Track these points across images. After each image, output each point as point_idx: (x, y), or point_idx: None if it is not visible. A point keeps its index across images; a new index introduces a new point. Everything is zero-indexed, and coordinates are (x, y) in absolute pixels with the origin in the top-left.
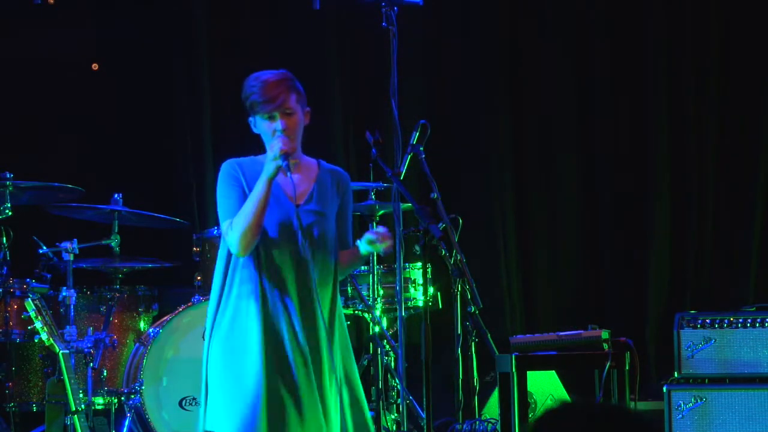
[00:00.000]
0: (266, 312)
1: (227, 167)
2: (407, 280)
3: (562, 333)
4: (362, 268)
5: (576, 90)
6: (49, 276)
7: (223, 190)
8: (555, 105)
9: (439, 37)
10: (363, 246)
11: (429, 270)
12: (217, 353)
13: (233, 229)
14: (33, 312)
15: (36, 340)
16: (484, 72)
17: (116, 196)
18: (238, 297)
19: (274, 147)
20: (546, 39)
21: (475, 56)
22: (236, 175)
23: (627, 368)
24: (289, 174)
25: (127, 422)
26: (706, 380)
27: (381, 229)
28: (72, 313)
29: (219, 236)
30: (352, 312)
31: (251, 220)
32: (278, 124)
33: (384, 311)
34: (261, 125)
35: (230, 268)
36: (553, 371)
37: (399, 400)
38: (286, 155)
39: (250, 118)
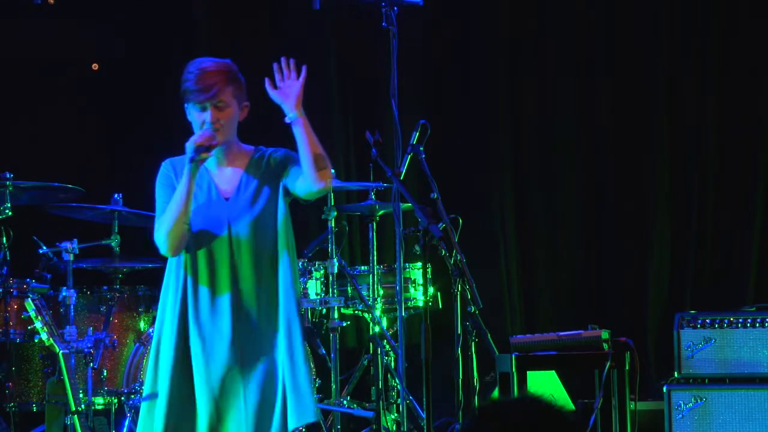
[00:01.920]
0: (190, 315)
1: (161, 168)
2: (407, 280)
3: (562, 333)
4: (362, 268)
5: (576, 89)
6: (49, 276)
7: (156, 192)
8: (555, 105)
9: (439, 36)
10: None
11: (429, 270)
12: (150, 356)
13: (157, 230)
14: (33, 312)
15: (36, 340)
16: (484, 71)
17: (116, 196)
18: (171, 299)
19: (189, 141)
20: (546, 38)
21: (475, 56)
22: (168, 174)
23: (627, 368)
24: (217, 168)
25: (127, 422)
26: (706, 380)
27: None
28: (72, 313)
29: None
30: (352, 312)
31: (172, 220)
32: (207, 116)
33: (384, 311)
34: (192, 114)
35: (167, 270)
36: (553, 371)
37: (399, 400)
38: (202, 149)
39: (184, 105)
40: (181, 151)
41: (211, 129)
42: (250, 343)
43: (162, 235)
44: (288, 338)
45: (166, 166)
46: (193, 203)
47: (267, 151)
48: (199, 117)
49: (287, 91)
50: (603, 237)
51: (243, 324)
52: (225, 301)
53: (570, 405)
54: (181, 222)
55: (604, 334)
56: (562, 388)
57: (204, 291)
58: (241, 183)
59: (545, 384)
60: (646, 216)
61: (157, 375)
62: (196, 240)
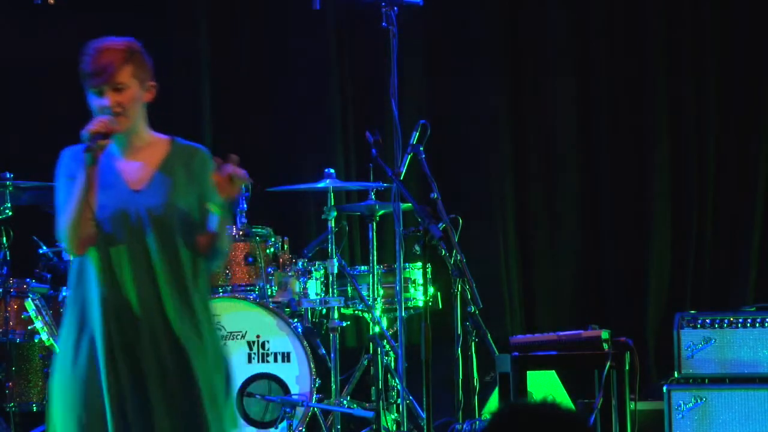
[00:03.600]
0: (96, 316)
1: (60, 158)
2: (407, 280)
3: (562, 333)
4: (362, 268)
5: (577, 90)
6: (49, 276)
7: (56, 185)
8: (555, 105)
9: (439, 36)
10: (214, 207)
11: (429, 270)
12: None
13: (59, 227)
14: (33, 312)
15: (36, 340)
16: (484, 71)
17: None
18: (73, 301)
19: (84, 128)
20: (547, 38)
21: (476, 56)
22: (68, 164)
23: (627, 368)
24: (125, 157)
25: None
26: (706, 380)
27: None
28: None
29: None
30: (352, 312)
31: (72, 215)
32: (105, 101)
33: (384, 311)
34: (91, 101)
35: (70, 271)
36: (553, 371)
37: (399, 400)
38: (99, 136)
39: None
40: None
41: (110, 114)
42: (165, 343)
43: (64, 232)
44: (201, 339)
45: (65, 156)
46: (99, 196)
47: (192, 146)
48: (97, 102)
49: (225, 186)
50: (603, 237)
51: (156, 325)
52: (138, 301)
53: (570, 405)
54: (83, 217)
55: (604, 334)
56: (562, 388)
57: (115, 291)
58: (155, 174)
59: (545, 384)
60: (647, 216)
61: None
62: (104, 236)
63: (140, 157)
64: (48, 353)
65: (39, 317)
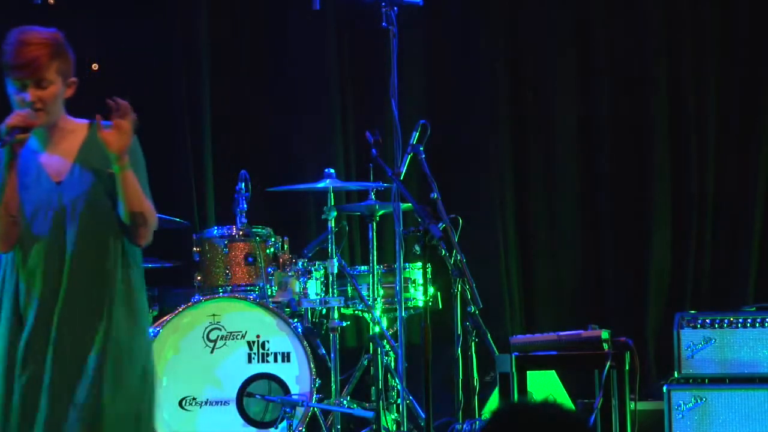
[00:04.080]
0: (19, 316)
1: None
2: (407, 280)
3: (562, 333)
4: (362, 268)
5: (577, 89)
6: None
7: None
8: (556, 105)
9: (440, 36)
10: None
11: (429, 270)
12: None
13: None
14: None
15: None
16: (484, 71)
17: None
18: (1, 296)
19: (3, 122)
20: (547, 37)
21: (475, 55)
22: None
23: (627, 368)
24: (45, 150)
25: None
26: (706, 380)
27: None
28: None
29: (219, 236)
30: (352, 312)
31: None
32: (26, 95)
33: (384, 311)
34: (10, 90)
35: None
36: (553, 371)
37: (399, 400)
38: (17, 131)
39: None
40: (183, 152)
41: (31, 109)
42: (72, 334)
43: None
44: (116, 333)
45: None
46: (23, 192)
47: (102, 126)
48: (17, 95)
49: (111, 139)
50: (603, 237)
51: (69, 321)
52: (39, 299)
53: (570, 405)
54: (4, 214)
55: (604, 334)
56: (562, 388)
57: (38, 288)
58: (74, 164)
59: (545, 384)
60: (647, 216)
61: None
62: (28, 232)
63: (60, 149)
64: None
65: None
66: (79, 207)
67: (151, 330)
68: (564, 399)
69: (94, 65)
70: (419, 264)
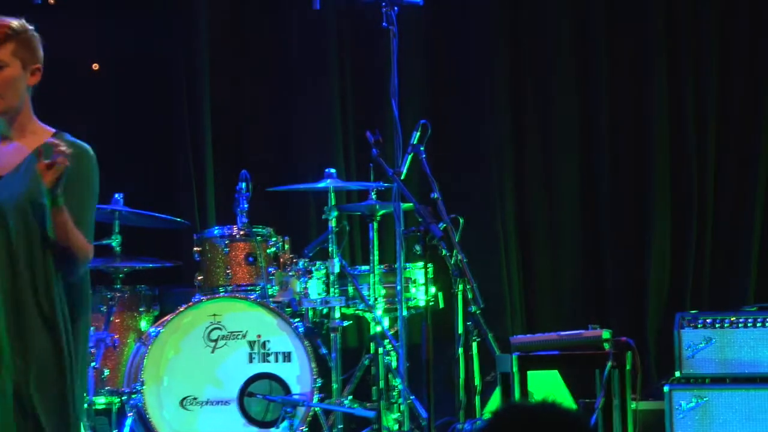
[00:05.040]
0: None
1: None
2: (408, 279)
3: (562, 333)
4: (362, 267)
5: (577, 90)
6: None
7: None
8: (556, 105)
9: (440, 36)
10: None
11: (430, 270)
12: None
13: None
14: None
15: None
16: (485, 71)
17: (117, 195)
18: None
19: None
20: (547, 36)
21: (476, 55)
22: None
23: (628, 368)
24: None
25: (128, 422)
26: (707, 380)
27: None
28: None
29: (220, 236)
30: (353, 312)
31: None
32: None
33: (385, 311)
34: None
35: None
36: (557, 371)
37: (400, 400)
38: None
39: None
40: (184, 152)
41: None
42: (28, 339)
43: None
44: (55, 339)
45: None
46: None
47: (70, 144)
48: None
49: (45, 175)
50: (603, 237)
51: (20, 326)
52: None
53: (573, 405)
54: None
55: (605, 334)
56: (565, 388)
57: None
58: (22, 164)
59: (548, 384)
60: (647, 215)
61: None
62: None
63: (15, 145)
64: None
65: None
66: (11, 207)
67: (152, 330)
68: (567, 399)
69: (94, 65)
70: (420, 264)
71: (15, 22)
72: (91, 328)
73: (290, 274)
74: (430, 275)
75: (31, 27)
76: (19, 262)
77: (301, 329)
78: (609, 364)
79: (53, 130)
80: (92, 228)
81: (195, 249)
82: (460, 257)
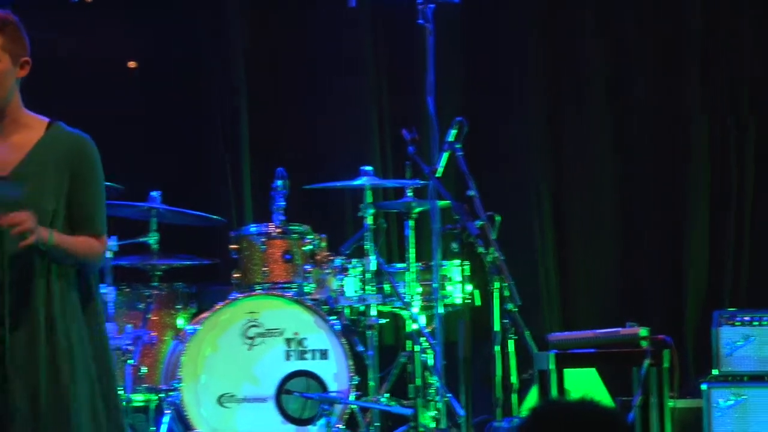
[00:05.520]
0: None
1: None
2: (444, 277)
3: (600, 330)
4: (399, 265)
5: (614, 88)
6: None
7: None
8: (592, 101)
9: (476, 33)
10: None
11: (466, 267)
12: None
13: None
14: None
15: None
16: (521, 69)
17: (154, 193)
18: None
19: None
20: (584, 35)
21: (512, 52)
22: None
23: (666, 366)
24: None
25: (166, 419)
26: (745, 378)
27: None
28: (110, 311)
29: (257, 233)
30: (389, 309)
31: None
32: None
33: (421, 308)
34: None
35: None
36: (594, 369)
37: (437, 398)
38: None
39: None
40: (220, 150)
41: None
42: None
43: None
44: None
45: None
46: None
47: (73, 135)
48: None
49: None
50: (641, 234)
51: (19, 336)
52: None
53: (610, 403)
54: None
55: (643, 332)
56: (603, 385)
57: None
58: (23, 160)
59: (585, 381)
60: (685, 212)
61: None
62: None
63: (12, 141)
64: None
65: None
66: (20, 207)
67: (189, 327)
68: (604, 397)
69: (130, 63)
70: (457, 261)
71: (5, 16)
72: (129, 326)
73: (327, 271)
74: (467, 273)
75: (16, 18)
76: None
77: (337, 327)
78: (647, 361)
79: (47, 120)
80: (104, 217)
81: (232, 246)
82: (496, 255)
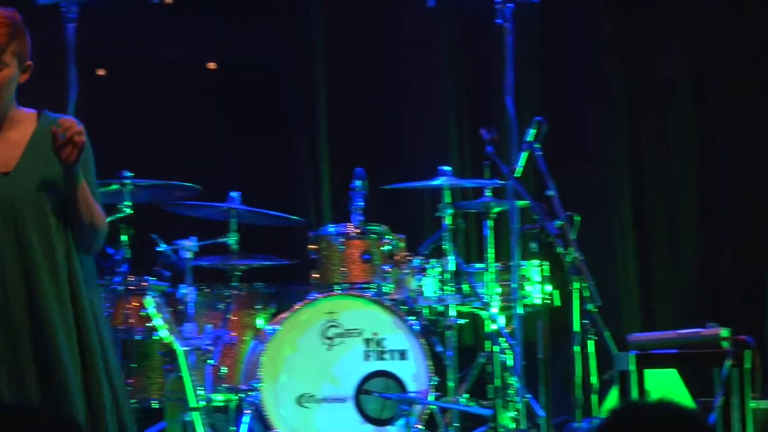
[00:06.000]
0: None
1: None
2: (524, 277)
3: (680, 331)
4: (478, 265)
5: (696, 88)
6: (168, 274)
7: None
8: (673, 101)
9: (554, 32)
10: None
11: (545, 267)
12: None
13: None
14: (152, 309)
15: (155, 338)
16: (599, 67)
17: (233, 194)
18: None
19: None
20: (660, 36)
21: (591, 51)
22: None
23: (747, 366)
24: None
25: (246, 419)
26: None
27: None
28: (191, 311)
29: (336, 234)
30: (468, 309)
31: None
32: None
33: (500, 309)
34: None
35: None
36: (675, 369)
37: (516, 399)
38: None
39: None
40: (300, 150)
41: None
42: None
43: None
44: (85, 336)
45: None
46: None
47: (55, 119)
48: None
49: (64, 153)
50: (722, 234)
51: (39, 325)
52: (16, 302)
53: (691, 404)
54: None
55: (724, 332)
56: (684, 386)
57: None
58: (24, 154)
59: (666, 382)
60: (766, 210)
61: None
62: None
63: (9, 138)
64: (167, 350)
65: (158, 314)
66: (28, 199)
67: (269, 327)
68: (685, 398)
69: (210, 64)
70: (536, 261)
71: (15, 17)
72: (208, 326)
73: (406, 271)
74: (546, 273)
75: (22, 21)
76: (32, 258)
77: (416, 327)
78: (728, 362)
79: (35, 112)
80: (100, 197)
81: (311, 247)
82: (576, 255)
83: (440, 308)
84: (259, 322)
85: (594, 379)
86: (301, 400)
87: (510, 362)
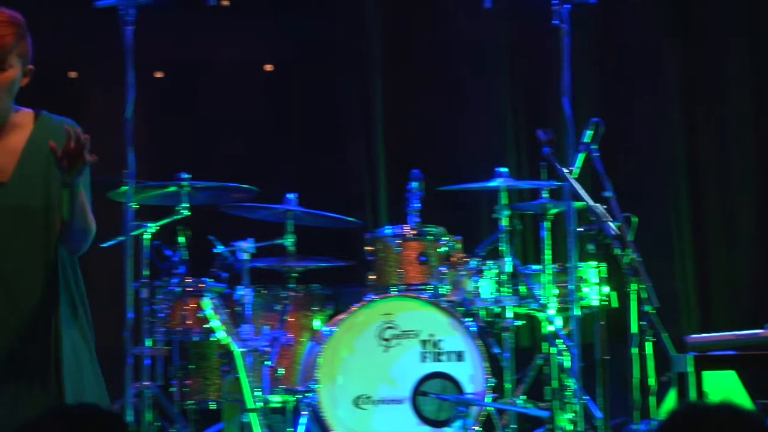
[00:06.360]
0: None
1: None
2: (581, 279)
3: (739, 332)
4: (535, 267)
5: (755, 89)
6: (225, 275)
7: None
8: (731, 104)
9: (611, 33)
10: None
11: (603, 269)
12: None
13: None
14: (210, 311)
15: (213, 339)
16: (656, 68)
17: (290, 196)
18: None
19: None
20: (719, 34)
21: (647, 52)
22: None
23: None
24: None
25: (303, 420)
26: None
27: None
28: (248, 312)
29: (392, 235)
30: (525, 311)
31: None
32: None
33: (558, 310)
34: None
35: None
36: (734, 371)
37: (574, 400)
38: None
39: None
40: (357, 152)
41: None
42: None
43: None
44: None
45: None
46: None
47: (60, 122)
48: None
49: (67, 164)
50: None
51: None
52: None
53: (750, 406)
54: None
55: None
56: (743, 388)
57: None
58: (20, 161)
59: (724, 384)
60: None
61: None
62: None
63: (5, 145)
64: (225, 352)
65: (216, 316)
66: (22, 208)
67: (325, 329)
68: (745, 400)
69: (267, 66)
70: (593, 263)
71: (20, 19)
72: (266, 327)
73: (462, 273)
74: (604, 274)
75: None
76: (14, 271)
77: (473, 329)
78: None
79: (32, 112)
80: (91, 202)
81: (367, 248)
82: (633, 256)
83: (497, 310)
84: (316, 323)
85: (652, 381)
86: (358, 402)
87: (567, 364)
